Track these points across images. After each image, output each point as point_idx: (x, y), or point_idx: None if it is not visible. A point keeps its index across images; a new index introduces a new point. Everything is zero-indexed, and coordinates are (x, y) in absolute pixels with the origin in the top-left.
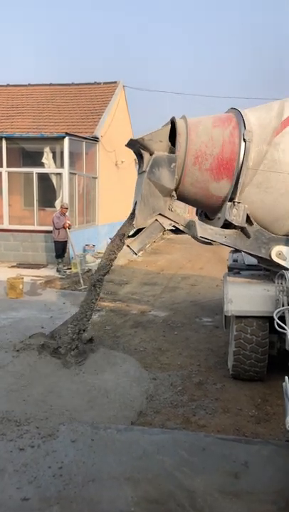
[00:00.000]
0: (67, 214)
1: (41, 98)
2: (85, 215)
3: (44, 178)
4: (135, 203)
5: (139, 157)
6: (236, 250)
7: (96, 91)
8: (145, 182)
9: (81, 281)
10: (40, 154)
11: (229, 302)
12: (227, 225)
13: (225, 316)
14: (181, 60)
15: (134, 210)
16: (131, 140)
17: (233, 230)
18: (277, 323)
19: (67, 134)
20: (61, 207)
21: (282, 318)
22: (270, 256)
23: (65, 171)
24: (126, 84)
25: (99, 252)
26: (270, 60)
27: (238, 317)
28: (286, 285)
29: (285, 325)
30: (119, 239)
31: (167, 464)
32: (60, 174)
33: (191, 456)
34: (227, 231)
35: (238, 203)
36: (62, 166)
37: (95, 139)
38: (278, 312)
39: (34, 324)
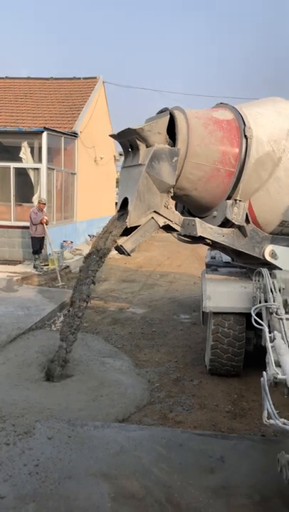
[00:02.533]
0: (44, 210)
1: (19, 92)
2: (63, 211)
3: (21, 173)
4: (124, 200)
5: (129, 149)
6: (214, 247)
7: (75, 86)
8: (143, 176)
9: (58, 277)
10: (18, 149)
11: (207, 299)
12: (223, 223)
13: (203, 312)
14: (161, 58)
15: (121, 206)
16: (128, 129)
17: (231, 229)
18: (255, 320)
19: (45, 128)
20: (39, 202)
21: (259, 315)
22: (263, 255)
23: (43, 166)
24: (106, 80)
25: (77, 249)
26: (253, 60)
27: (215, 313)
28: (263, 282)
29: (262, 321)
30: (112, 241)
31: (144, 460)
32: (37, 169)
33: (168, 452)
34: (225, 230)
35: (239, 201)
36: (40, 161)
37: (74, 135)
38: (256, 309)
39: (10, 321)
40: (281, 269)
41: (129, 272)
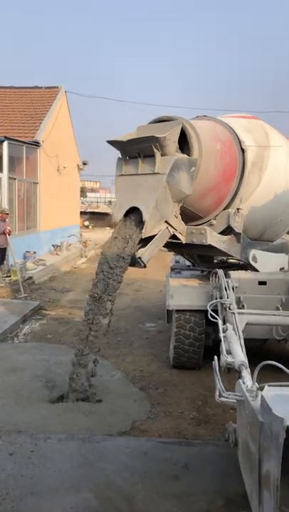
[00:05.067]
0: (7, 220)
1: None
2: (26, 220)
3: None
4: (130, 209)
5: (137, 157)
6: (177, 253)
7: (37, 95)
8: (162, 185)
9: (21, 289)
10: None
11: (170, 298)
12: (222, 231)
13: (167, 310)
14: (123, 68)
15: (126, 216)
16: (150, 137)
17: (228, 236)
18: (211, 314)
19: (6, 137)
20: (1, 212)
21: (216, 312)
22: (247, 259)
23: (4, 176)
24: (68, 90)
25: (40, 259)
26: (212, 71)
27: (178, 311)
28: (218, 282)
29: (218, 316)
30: (125, 257)
31: (108, 471)
32: None
33: (133, 461)
34: (224, 237)
35: (240, 209)
36: (1, 170)
37: (36, 144)
38: (211, 304)
39: None
40: (258, 271)
41: None
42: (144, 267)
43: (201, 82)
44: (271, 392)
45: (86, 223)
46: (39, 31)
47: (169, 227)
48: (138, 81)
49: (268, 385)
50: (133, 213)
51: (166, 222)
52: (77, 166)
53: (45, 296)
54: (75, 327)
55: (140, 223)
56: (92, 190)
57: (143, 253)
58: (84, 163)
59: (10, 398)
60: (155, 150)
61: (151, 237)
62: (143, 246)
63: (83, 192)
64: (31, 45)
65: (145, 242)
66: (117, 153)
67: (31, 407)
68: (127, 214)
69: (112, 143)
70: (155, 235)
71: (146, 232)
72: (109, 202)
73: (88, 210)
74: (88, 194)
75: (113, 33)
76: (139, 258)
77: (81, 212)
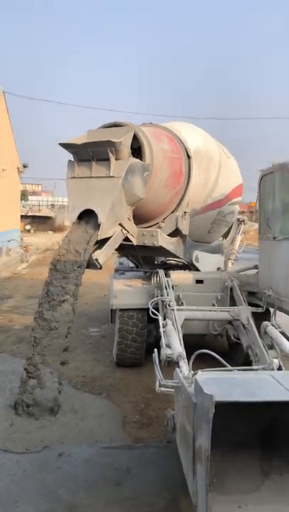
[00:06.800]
0: None
1: None
2: None
3: None
4: (83, 212)
5: (90, 160)
6: (125, 255)
7: None
8: (118, 189)
9: None
10: None
11: (114, 297)
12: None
13: (111, 310)
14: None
15: (78, 218)
16: (106, 141)
17: (175, 238)
18: (152, 311)
19: None
20: None
21: (157, 309)
22: (191, 259)
23: None
24: (7, 91)
25: None
26: (155, 77)
27: (121, 310)
28: (159, 281)
29: (158, 313)
30: (87, 253)
31: (49, 481)
32: None
33: (75, 469)
34: (172, 239)
35: (187, 212)
36: None
37: None
38: (152, 302)
39: None
40: (199, 270)
41: (36, 287)
42: (100, 268)
43: (143, 87)
44: (203, 377)
45: (27, 227)
46: None
47: (123, 230)
48: (79, 84)
49: (201, 371)
50: (87, 215)
51: (120, 224)
52: (17, 168)
53: None
54: (15, 335)
55: (95, 225)
56: (34, 193)
57: (99, 254)
58: (24, 166)
59: None
60: (110, 154)
61: (106, 239)
62: (98, 248)
63: (24, 195)
64: None
65: (100, 243)
66: (59, 157)
67: None
68: (80, 216)
69: (65, 146)
70: (110, 237)
71: (101, 234)
72: (52, 205)
73: (30, 214)
74: (30, 197)
75: (48, 33)
76: (96, 260)
77: (22, 216)
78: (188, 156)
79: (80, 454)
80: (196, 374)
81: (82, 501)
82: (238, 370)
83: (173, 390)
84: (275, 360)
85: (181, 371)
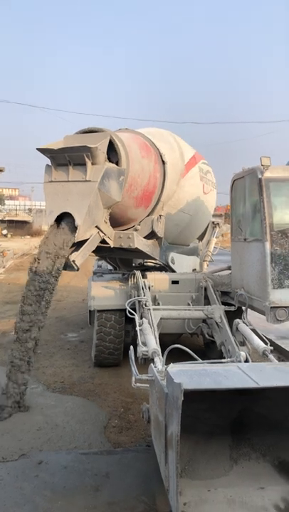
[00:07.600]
0: None
1: None
2: None
3: None
4: (60, 215)
5: (68, 165)
6: (100, 258)
7: None
8: (94, 192)
9: None
10: None
11: (92, 299)
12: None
13: (90, 312)
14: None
15: (56, 221)
16: (83, 146)
17: (151, 240)
18: (129, 311)
19: None
20: None
21: (135, 309)
22: (167, 261)
23: None
24: None
25: None
26: (126, 79)
27: (99, 311)
28: (136, 282)
29: (135, 313)
30: (64, 257)
31: (27, 490)
32: None
33: (53, 477)
34: (148, 241)
35: (162, 215)
36: None
37: None
38: (129, 302)
39: None
40: (175, 271)
41: (13, 292)
42: (77, 269)
43: (119, 91)
44: (174, 369)
45: (4, 232)
46: None
47: (100, 232)
48: (58, 87)
49: (172, 364)
50: (64, 218)
51: (96, 227)
52: None
53: None
54: None
55: (72, 228)
56: (11, 197)
57: (76, 256)
58: (0, 170)
59: None
60: (86, 159)
61: (83, 242)
62: (76, 250)
63: (1, 199)
64: None
65: (77, 246)
66: (36, 161)
67: None
68: (57, 219)
69: (42, 151)
70: (87, 239)
71: (78, 236)
72: (29, 210)
73: (6, 219)
74: (7, 202)
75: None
76: (73, 261)
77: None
78: (163, 162)
79: (58, 461)
80: (168, 367)
81: (60, 509)
82: (208, 362)
83: (148, 384)
84: (242, 353)
85: (155, 366)
